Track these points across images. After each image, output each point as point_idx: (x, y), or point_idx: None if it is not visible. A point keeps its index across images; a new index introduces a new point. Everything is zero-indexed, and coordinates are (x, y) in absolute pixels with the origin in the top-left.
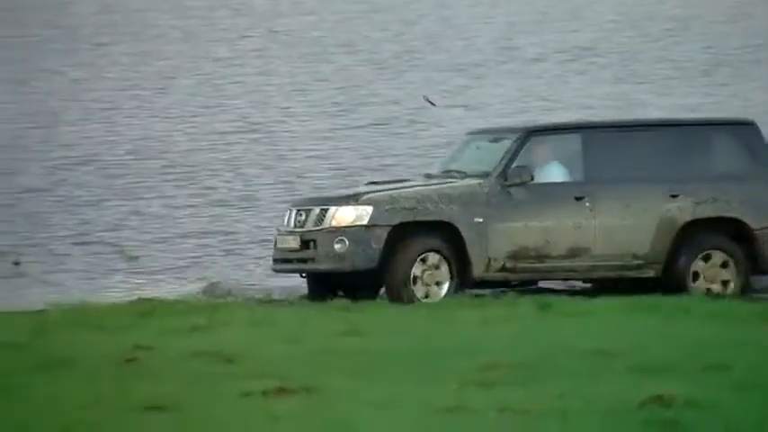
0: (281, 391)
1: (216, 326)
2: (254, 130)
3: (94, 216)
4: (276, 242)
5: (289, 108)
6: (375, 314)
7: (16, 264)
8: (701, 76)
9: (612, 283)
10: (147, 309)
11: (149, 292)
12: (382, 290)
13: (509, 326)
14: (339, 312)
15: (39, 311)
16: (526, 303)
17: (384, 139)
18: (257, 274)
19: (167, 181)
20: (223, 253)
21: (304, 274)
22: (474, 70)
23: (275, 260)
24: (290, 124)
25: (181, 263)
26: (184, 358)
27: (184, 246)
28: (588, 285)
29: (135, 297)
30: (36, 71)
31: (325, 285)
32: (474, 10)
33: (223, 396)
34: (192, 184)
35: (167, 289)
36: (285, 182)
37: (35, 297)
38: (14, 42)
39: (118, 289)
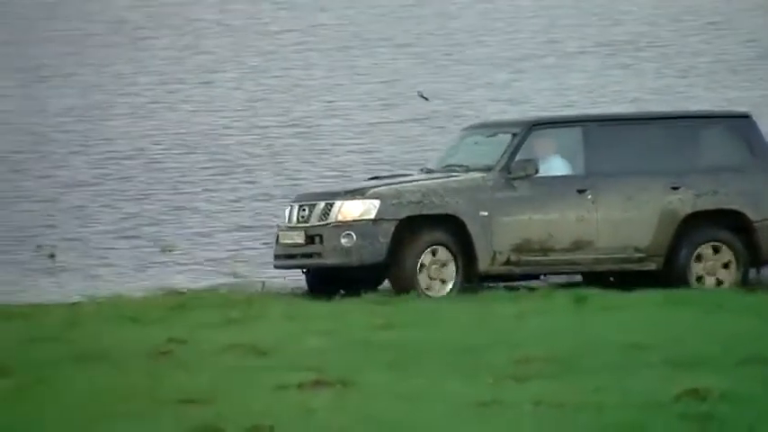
0: (316, 383)
1: (250, 319)
2: (296, 125)
3: (137, 210)
4: (278, 238)
5: (331, 102)
6: (410, 307)
7: (51, 256)
8: (744, 69)
9: (606, 277)
10: (181, 302)
11: (185, 286)
12: (382, 285)
13: (544, 319)
14: (374, 306)
15: (73, 304)
16: (562, 297)
17: (425, 133)
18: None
19: (211, 176)
20: (264, 247)
21: (305, 270)
22: (516, 64)
23: (277, 256)
24: (332, 119)
25: (220, 256)
26: (218, 351)
27: (224, 239)
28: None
29: (170, 290)
30: (80, 66)
31: (325, 281)
32: (516, 2)
33: (258, 389)
34: (232, 178)
35: (203, 282)
36: (326, 176)
37: (72, 290)
38: (57, 36)
39: (154, 282)
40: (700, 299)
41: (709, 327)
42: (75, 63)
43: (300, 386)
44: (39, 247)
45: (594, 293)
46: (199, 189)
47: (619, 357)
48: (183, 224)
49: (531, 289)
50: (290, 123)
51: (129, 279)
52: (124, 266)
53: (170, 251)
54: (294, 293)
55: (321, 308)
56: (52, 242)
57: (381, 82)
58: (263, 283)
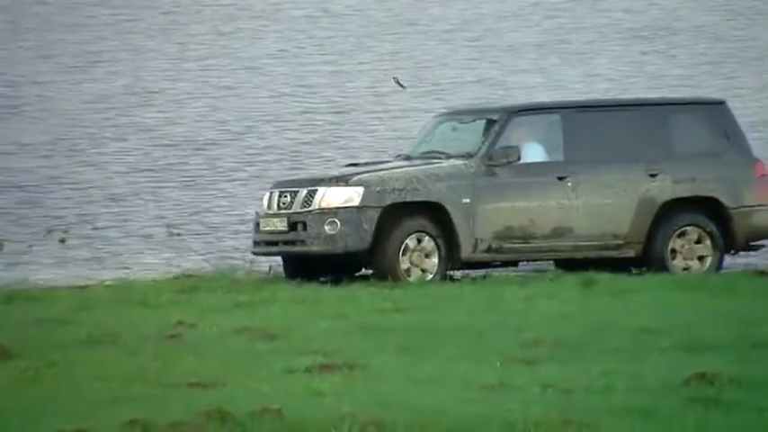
0: (324, 367)
1: (259, 303)
2: (339, 111)
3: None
4: (258, 225)
5: (373, 88)
6: (418, 291)
7: (62, 241)
8: None
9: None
10: (190, 285)
11: (194, 269)
12: (359, 272)
13: (552, 303)
14: (382, 290)
15: (83, 288)
16: (570, 280)
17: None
18: None
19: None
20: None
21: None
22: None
23: (257, 243)
24: (377, 105)
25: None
26: (227, 335)
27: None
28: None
29: (179, 274)
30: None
31: (303, 268)
32: None
33: (266, 372)
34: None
35: (212, 265)
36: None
37: (81, 274)
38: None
39: (163, 265)
40: (709, 283)
41: (719, 311)
42: (119, 48)
43: (309, 370)
44: (49, 231)
45: (603, 277)
46: (244, 177)
47: (627, 341)
48: (224, 212)
49: (540, 272)
50: (332, 110)
51: (136, 262)
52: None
53: (177, 234)
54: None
55: (330, 292)
56: (64, 226)
57: (425, 68)
58: (271, 266)
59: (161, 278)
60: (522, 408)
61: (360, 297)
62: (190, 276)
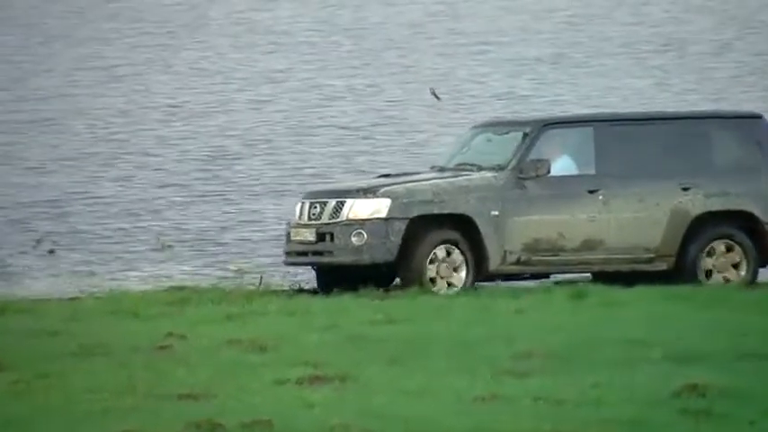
0: (315, 379)
1: (250, 314)
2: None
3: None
4: (289, 235)
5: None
6: (410, 303)
7: (51, 252)
8: None
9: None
10: (181, 297)
11: (187, 281)
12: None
13: (544, 315)
14: (374, 301)
15: (73, 299)
16: (561, 293)
17: None
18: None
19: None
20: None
21: (315, 268)
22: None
23: (288, 253)
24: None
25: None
26: (218, 346)
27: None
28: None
29: (170, 286)
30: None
31: (335, 279)
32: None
33: (257, 384)
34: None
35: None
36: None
37: (71, 285)
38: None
39: (154, 277)
40: (700, 294)
41: (710, 322)
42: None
43: (299, 381)
44: (38, 241)
45: (594, 289)
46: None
47: (618, 353)
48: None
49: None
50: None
51: (131, 274)
52: (125, 261)
53: (169, 247)
54: (292, 289)
55: (320, 303)
56: (53, 237)
57: (484, 77)
58: (261, 278)
59: (152, 290)
60: (513, 420)
61: (351, 308)
62: (181, 288)
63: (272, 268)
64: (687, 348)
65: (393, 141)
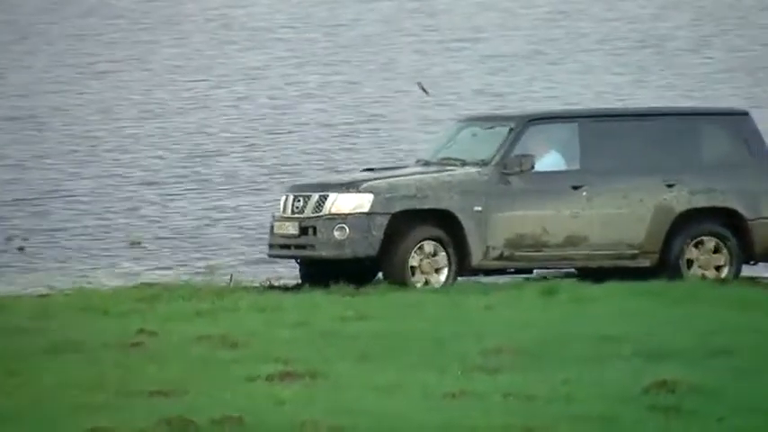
0: (285, 375)
1: (221, 311)
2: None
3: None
4: (273, 228)
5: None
6: (380, 299)
7: (21, 249)
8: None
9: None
10: (151, 294)
11: (156, 278)
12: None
13: (514, 311)
14: (345, 297)
15: (43, 296)
16: (531, 289)
17: None
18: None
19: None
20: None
21: (299, 261)
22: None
23: (271, 245)
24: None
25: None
26: (189, 343)
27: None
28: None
29: (140, 282)
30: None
31: (317, 273)
32: None
33: (228, 380)
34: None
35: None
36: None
37: (40, 282)
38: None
39: (127, 273)
40: (672, 291)
41: (681, 318)
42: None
43: (270, 378)
44: (8, 239)
45: (564, 285)
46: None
47: (589, 349)
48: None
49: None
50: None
51: (100, 271)
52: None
53: (138, 244)
54: (262, 285)
55: (291, 299)
56: (24, 234)
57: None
58: (232, 275)
59: (122, 286)
60: (483, 415)
61: (321, 305)
62: (151, 285)
63: (244, 267)
64: (657, 345)
65: (372, 137)
